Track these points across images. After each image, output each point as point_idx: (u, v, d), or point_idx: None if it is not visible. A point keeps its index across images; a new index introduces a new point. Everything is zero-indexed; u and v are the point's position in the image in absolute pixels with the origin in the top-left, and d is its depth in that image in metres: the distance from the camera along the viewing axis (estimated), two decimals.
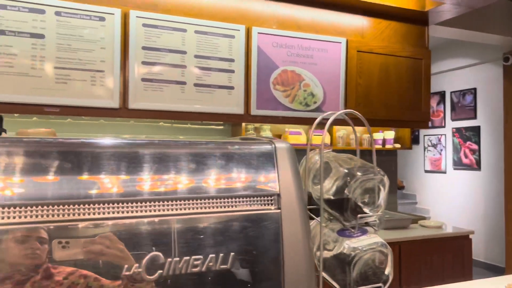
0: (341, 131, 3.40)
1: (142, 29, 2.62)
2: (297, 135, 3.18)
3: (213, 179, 0.78)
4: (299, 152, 3.14)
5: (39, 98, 2.42)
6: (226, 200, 0.77)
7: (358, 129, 3.59)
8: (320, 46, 3.08)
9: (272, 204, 0.80)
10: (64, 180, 0.70)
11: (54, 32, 2.44)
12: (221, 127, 3.23)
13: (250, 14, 2.93)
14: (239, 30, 2.85)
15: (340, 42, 3.13)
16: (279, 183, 0.80)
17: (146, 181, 0.74)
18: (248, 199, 0.79)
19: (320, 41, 3.08)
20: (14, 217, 0.65)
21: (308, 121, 3.11)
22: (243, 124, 3.05)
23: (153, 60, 2.66)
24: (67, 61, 2.47)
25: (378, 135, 3.59)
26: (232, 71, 2.85)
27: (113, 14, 2.55)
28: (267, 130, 3.14)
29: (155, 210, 0.73)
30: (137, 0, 2.65)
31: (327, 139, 3.28)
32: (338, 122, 3.16)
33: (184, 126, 3.09)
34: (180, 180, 0.76)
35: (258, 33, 2.90)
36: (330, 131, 3.34)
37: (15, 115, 2.58)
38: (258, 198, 0.79)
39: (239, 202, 0.78)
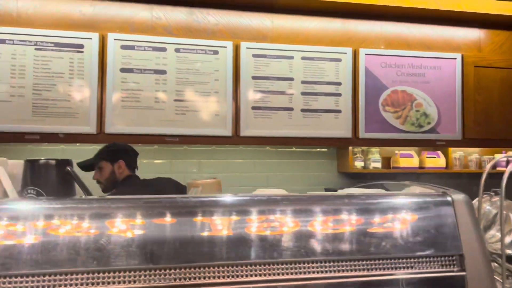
0: (457, 153, 3.14)
1: (252, 59, 2.71)
2: (409, 158, 3.01)
3: (385, 238, 0.75)
4: (411, 176, 2.95)
5: (161, 129, 2.61)
6: (402, 261, 0.73)
7: (475, 149, 3.28)
8: (432, 64, 2.91)
9: (454, 266, 0.74)
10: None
11: (174, 68, 2.63)
12: (325, 149, 3.19)
13: (356, 36, 2.88)
14: (345, 53, 2.81)
15: (455, 58, 2.93)
16: (461, 241, 0.74)
17: (309, 239, 0.73)
18: (426, 259, 0.74)
19: (433, 58, 2.91)
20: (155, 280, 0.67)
21: (421, 143, 2.93)
22: (350, 147, 2.97)
23: (262, 89, 2.73)
24: (186, 93, 2.64)
25: (500, 157, 3.24)
26: (339, 95, 2.81)
27: (226, 47, 2.68)
28: (375, 153, 3.03)
29: (329, 271, 0.71)
30: (248, 32, 2.75)
31: (442, 162, 3.05)
32: (453, 143, 2.94)
33: (288, 150, 3.11)
34: (347, 239, 0.74)
35: (366, 54, 2.83)
36: (445, 152, 3.11)
37: (139, 144, 2.81)
38: (438, 259, 0.74)
39: (417, 263, 0.73)
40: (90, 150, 2.88)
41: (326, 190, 3.05)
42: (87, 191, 0.84)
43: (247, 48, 2.71)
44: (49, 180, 0.80)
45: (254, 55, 2.72)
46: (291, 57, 2.76)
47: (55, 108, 2.47)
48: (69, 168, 0.81)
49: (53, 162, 0.82)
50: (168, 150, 2.97)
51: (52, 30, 2.48)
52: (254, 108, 2.71)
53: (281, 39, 2.79)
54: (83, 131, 2.50)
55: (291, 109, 2.76)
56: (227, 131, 2.67)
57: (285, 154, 3.10)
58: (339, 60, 2.81)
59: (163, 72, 2.61)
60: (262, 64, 2.73)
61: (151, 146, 2.86)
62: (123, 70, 2.56)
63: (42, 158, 0.82)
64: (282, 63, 2.75)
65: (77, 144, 2.80)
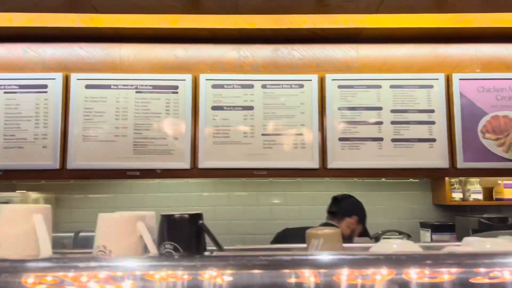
0: None
1: (337, 90, 2.69)
2: None
3: None
4: None
5: (250, 163, 2.66)
6: None
7: None
8: None
9: None
10: None
11: (261, 103, 2.69)
12: (417, 180, 3.02)
13: (448, 60, 2.74)
14: (437, 79, 2.68)
15: None
16: None
17: None
18: None
19: None
20: None
21: None
22: (446, 177, 2.78)
23: (349, 119, 2.68)
24: (272, 127, 2.68)
25: None
26: (433, 123, 2.67)
27: (311, 80, 2.69)
28: (475, 183, 2.80)
29: None
30: (332, 64, 2.75)
31: None
32: None
33: (377, 181, 3.00)
34: None
35: (460, 79, 2.67)
36: None
37: (227, 178, 2.89)
38: None
39: None
40: (183, 184, 3.04)
41: (421, 224, 2.86)
42: (219, 245, 0.87)
43: (332, 79, 2.70)
44: (183, 234, 0.83)
45: (340, 86, 2.70)
46: (379, 86, 2.70)
47: (153, 146, 2.64)
48: (201, 222, 0.84)
49: (187, 216, 0.86)
50: (254, 182, 3.03)
51: (150, 74, 2.69)
52: (341, 139, 2.67)
53: (367, 69, 2.75)
54: (178, 166, 2.62)
55: (380, 139, 2.67)
56: (314, 163, 2.65)
57: (374, 186, 2.99)
58: (430, 86, 2.69)
59: (250, 108, 2.69)
60: (348, 94, 2.70)
61: (239, 179, 2.93)
62: (214, 108, 2.68)
63: (176, 212, 0.86)
64: (370, 93, 2.70)
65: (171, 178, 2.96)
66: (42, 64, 2.69)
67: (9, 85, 2.64)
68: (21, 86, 2.65)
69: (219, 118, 2.68)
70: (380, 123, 2.68)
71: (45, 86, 2.65)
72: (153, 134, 2.65)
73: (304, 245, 0.96)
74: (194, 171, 2.62)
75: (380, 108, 2.69)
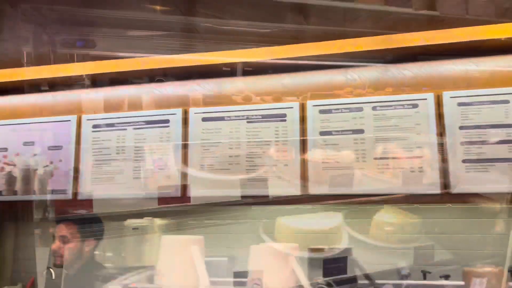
0: None
1: (457, 108, 2.49)
2: None
3: None
4: None
5: (361, 189, 2.57)
6: None
7: None
8: None
9: None
10: None
11: (371, 126, 2.60)
12: None
13: None
14: None
15: None
16: None
17: None
18: None
19: None
20: None
21: None
22: None
23: (474, 139, 2.45)
24: (386, 151, 2.56)
25: None
26: None
27: (426, 99, 2.54)
28: None
29: None
30: (449, 81, 2.57)
31: None
32: None
33: (510, 207, 2.66)
34: None
35: None
36: None
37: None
38: None
39: None
40: (292, 210, 3.06)
41: None
42: (370, 279, 0.84)
43: (450, 97, 2.51)
44: (336, 269, 0.82)
45: (460, 104, 2.49)
46: (506, 101, 2.43)
47: (265, 173, 2.70)
48: (350, 257, 0.82)
49: (338, 251, 0.84)
50: (366, 209, 2.91)
51: (259, 105, 2.79)
52: (465, 161, 2.45)
53: (490, 83, 2.50)
54: (289, 192, 2.65)
55: None
56: (435, 189, 2.45)
57: (506, 212, 2.66)
58: None
59: (361, 131, 2.62)
60: (470, 112, 2.48)
61: (354, 207, 2.84)
62: (322, 133, 2.67)
63: (326, 246, 0.85)
64: (496, 109, 2.44)
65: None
66: (165, 101, 2.97)
67: (138, 122, 2.96)
68: (147, 122, 2.94)
69: (328, 143, 2.66)
70: (511, 142, 2.40)
71: (167, 121, 2.91)
72: (263, 162, 2.72)
73: (461, 283, 0.87)
74: (304, 198, 2.62)
75: (509, 126, 2.41)
